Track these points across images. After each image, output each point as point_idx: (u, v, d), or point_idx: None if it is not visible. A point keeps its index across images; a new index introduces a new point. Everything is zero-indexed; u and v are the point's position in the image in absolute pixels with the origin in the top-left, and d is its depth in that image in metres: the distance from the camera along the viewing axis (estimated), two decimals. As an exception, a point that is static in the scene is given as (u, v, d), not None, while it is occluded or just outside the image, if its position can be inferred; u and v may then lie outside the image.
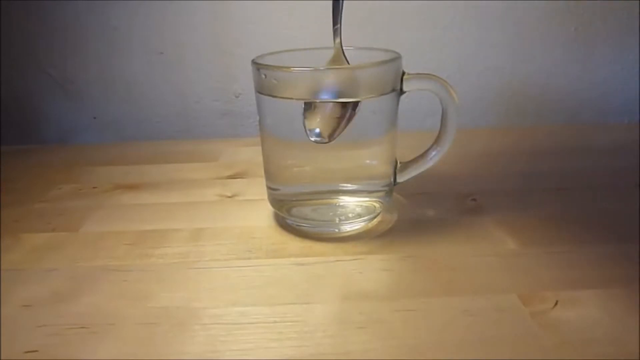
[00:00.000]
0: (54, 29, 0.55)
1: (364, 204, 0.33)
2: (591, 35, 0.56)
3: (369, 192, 0.34)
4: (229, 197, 0.40)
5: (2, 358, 0.23)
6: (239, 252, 0.31)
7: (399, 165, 0.34)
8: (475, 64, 0.57)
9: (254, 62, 0.31)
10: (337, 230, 0.33)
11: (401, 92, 0.32)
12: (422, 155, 0.34)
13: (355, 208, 0.33)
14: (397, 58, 0.31)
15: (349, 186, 0.33)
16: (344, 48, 0.35)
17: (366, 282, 0.28)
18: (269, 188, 0.34)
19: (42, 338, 0.24)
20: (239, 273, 0.29)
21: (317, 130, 0.30)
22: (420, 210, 0.36)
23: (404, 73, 0.31)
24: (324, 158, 0.32)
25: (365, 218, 0.33)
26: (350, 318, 0.25)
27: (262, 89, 0.31)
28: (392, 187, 0.34)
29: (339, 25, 0.32)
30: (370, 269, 0.29)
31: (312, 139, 0.30)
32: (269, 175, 0.34)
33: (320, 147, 0.31)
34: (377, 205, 0.34)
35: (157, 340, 0.24)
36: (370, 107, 0.31)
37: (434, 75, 0.31)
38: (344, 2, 0.32)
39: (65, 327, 0.25)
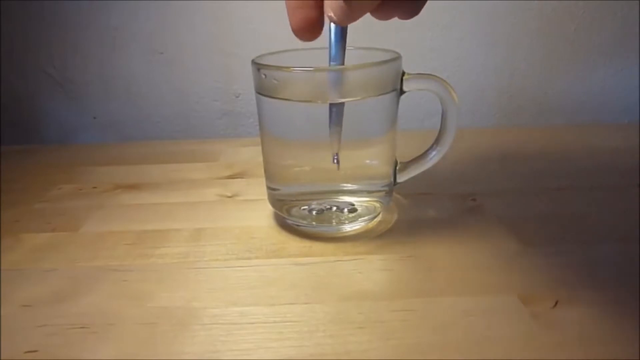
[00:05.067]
0: (54, 29, 0.55)
1: (364, 204, 0.33)
2: (591, 35, 0.56)
3: (369, 192, 0.34)
4: (229, 197, 0.40)
5: (2, 358, 0.23)
6: (239, 252, 0.31)
7: (399, 165, 0.34)
8: (475, 64, 0.57)
9: (254, 62, 0.31)
10: (337, 230, 0.33)
11: (401, 92, 0.32)
12: (422, 155, 0.34)
13: (355, 208, 0.33)
14: (397, 58, 0.31)
15: (349, 186, 0.33)
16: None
17: (366, 282, 0.28)
18: (269, 188, 0.34)
19: (42, 338, 0.24)
20: (239, 273, 0.29)
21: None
22: (420, 210, 0.36)
23: (404, 73, 0.31)
24: (324, 158, 0.32)
25: (365, 218, 0.33)
26: (350, 318, 0.25)
27: (262, 89, 0.31)
28: (392, 187, 0.34)
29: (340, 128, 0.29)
30: (370, 269, 0.29)
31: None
32: (269, 175, 0.34)
33: (320, 147, 0.31)
34: (377, 205, 0.34)
35: (157, 340, 0.24)
36: (370, 107, 0.31)
37: (434, 75, 0.31)
38: None
39: (65, 327, 0.25)
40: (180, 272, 0.29)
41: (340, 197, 0.33)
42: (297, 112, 0.31)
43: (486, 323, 0.24)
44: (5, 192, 0.42)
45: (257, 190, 0.40)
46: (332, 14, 0.25)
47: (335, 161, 0.30)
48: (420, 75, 0.31)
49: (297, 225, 0.34)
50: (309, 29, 0.25)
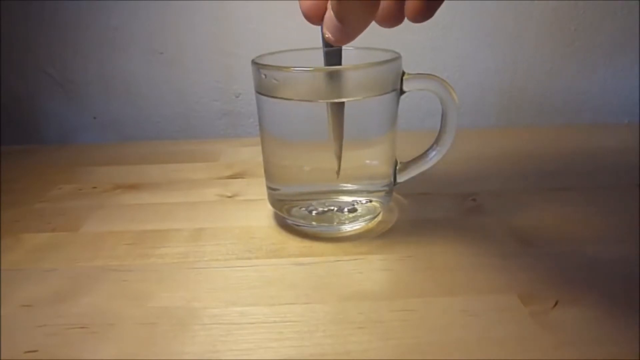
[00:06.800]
0: (54, 29, 0.55)
1: (364, 204, 0.33)
2: (591, 35, 0.56)
3: (369, 192, 0.34)
4: (229, 197, 0.40)
5: (2, 358, 0.23)
6: (239, 252, 0.31)
7: (399, 165, 0.34)
8: (475, 64, 0.57)
9: (254, 62, 0.31)
10: (337, 230, 0.33)
11: (401, 92, 0.32)
12: (422, 155, 0.34)
13: (355, 208, 0.33)
14: (397, 58, 0.31)
15: (349, 186, 0.33)
16: (344, 48, 0.35)
17: (366, 282, 0.28)
18: (269, 188, 0.34)
19: (42, 338, 0.24)
20: (239, 273, 0.29)
21: None
22: (420, 210, 0.36)
23: (404, 73, 0.31)
24: (324, 158, 0.32)
25: (365, 218, 0.33)
26: (350, 318, 0.25)
27: (262, 89, 0.31)
28: (392, 187, 0.34)
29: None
30: (370, 269, 0.29)
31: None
32: (269, 175, 0.34)
33: (320, 147, 0.31)
34: (377, 205, 0.34)
35: (157, 340, 0.24)
36: (370, 107, 0.31)
37: (434, 75, 0.31)
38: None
39: (65, 327, 0.25)
40: (180, 272, 0.29)
41: (340, 197, 0.33)
42: (297, 112, 0.31)
43: (486, 323, 0.24)
44: (5, 192, 0.42)
45: (257, 190, 0.40)
46: (329, 35, 0.25)
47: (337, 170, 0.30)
48: (420, 75, 0.31)
49: (297, 225, 0.34)
50: (318, 14, 0.26)
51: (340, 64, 0.29)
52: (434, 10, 0.24)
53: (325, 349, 0.23)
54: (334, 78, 0.30)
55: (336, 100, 0.29)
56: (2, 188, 0.43)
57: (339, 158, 0.30)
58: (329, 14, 0.25)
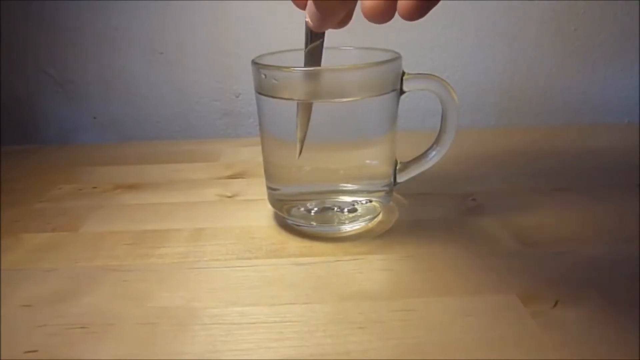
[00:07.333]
0: (54, 29, 0.55)
1: (364, 204, 0.33)
2: (591, 35, 0.56)
3: (369, 192, 0.34)
4: (229, 197, 0.40)
5: (2, 358, 0.23)
6: (239, 252, 0.31)
7: (399, 165, 0.34)
8: (475, 64, 0.57)
9: (254, 62, 0.31)
10: (337, 230, 0.33)
11: (401, 92, 0.32)
12: (422, 155, 0.34)
13: (355, 208, 0.33)
14: (397, 58, 0.31)
15: (349, 186, 0.33)
16: (343, 48, 0.35)
17: (366, 282, 0.28)
18: (269, 188, 0.34)
19: (42, 338, 0.24)
20: (239, 273, 0.29)
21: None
22: (420, 210, 0.36)
23: (404, 73, 0.31)
24: (324, 158, 0.32)
25: (365, 218, 0.33)
26: (350, 318, 0.25)
27: (262, 89, 0.31)
28: (392, 187, 0.34)
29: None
30: (370, 269, 0.29)
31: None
32: (269, 175, 0.34)
33: (321, 147, 0.31)
34: (377, 205, 0.34)
35: (157, 340, 0.24)
36: (370, 107, 0.31)
37: (434, 75, 0.31)
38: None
39: (65, 327, 0.25)
40: (180, 272, 0.29)
41: (340, 197, 0.33)
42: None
43: (486, 323, 0.24)
44: (5, 192, 0.42)
45: (257, 190, 0.40)
46: (308, 20, 0.27)
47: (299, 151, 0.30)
48: (420, 75, 0.31)
49: (297, 225, 0.34)
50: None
51: (319, 62, 0.29)
52: (428, 9, 0.24)
53: (325, 349, 0.23)
54: (334, 78, 0.30)
55: (335, 101, 0.29)
56: (2, 188, 0.43)
57: (302, 142, 0.30)
58: (310, 2, 0.26)
